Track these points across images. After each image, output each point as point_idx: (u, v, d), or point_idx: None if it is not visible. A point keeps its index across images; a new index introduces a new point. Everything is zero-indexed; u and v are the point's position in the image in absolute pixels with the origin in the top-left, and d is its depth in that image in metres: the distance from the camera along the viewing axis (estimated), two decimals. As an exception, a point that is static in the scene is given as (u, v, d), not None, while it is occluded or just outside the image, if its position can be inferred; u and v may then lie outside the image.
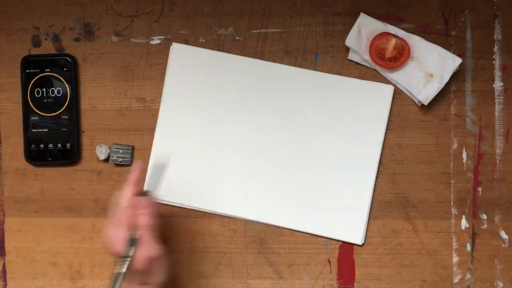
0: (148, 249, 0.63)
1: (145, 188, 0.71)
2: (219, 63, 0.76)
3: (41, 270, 0.78)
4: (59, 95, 0.77)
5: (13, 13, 0.78)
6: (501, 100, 0.75)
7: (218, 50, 0.77)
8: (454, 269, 0.75)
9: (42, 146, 0.77)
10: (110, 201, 0.77)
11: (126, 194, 0.66)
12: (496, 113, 0.75)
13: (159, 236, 0.65)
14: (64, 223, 0.78)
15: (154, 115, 0.77)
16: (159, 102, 0.77)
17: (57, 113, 0.77)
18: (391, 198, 0.76)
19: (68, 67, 0.77)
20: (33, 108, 0.77)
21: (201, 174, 0.76)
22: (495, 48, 0.75)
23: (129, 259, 0.62)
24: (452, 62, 0.73)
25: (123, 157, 0.76)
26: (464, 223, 0.75)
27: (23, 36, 0.78)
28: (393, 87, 0.75)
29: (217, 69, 0.76)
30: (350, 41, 0.74)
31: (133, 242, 0.63)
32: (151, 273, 0.65)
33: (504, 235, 0.75)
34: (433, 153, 0.76)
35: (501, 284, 0.75)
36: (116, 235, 0.64)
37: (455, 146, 0.76)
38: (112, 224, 0.65)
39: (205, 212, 0.76)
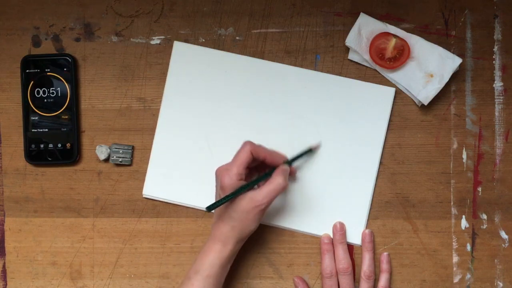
0: (262, 195, 0.67)
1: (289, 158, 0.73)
2: (221, 62, 0.76)
3: (41, 270, 0.78)
4: (59, 95, 0.77)
5: (13, 13, 0.78)
6: (501, 100, 0.75)
7: (218, 50, 0.77)
8: (454, 269, 0.75)
9: (42, 146, 0.77)
10: (111, 202, 0.77)
11: (231, 175, 0.67)
12: (496, 113, 0.75)
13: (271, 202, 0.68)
14: (64, 223, 0.78)
15: (154, 115, 0.77)
16: (159, 102, 0.77)
17: (57, 113, 0.77)
18: (391, 198, 0.76)
19: (68, 67, 0.77)
20: (33, 108, 0.77)
21: (202, 174, 0.76)
22: (495, 48, 0.75)
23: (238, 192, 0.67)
24: (452, 62, 0.73)
25: (123, 157, 0.76)
26: (464, 223, 0.75)
27: (23, 36, 0.78)
28: (394, 89, 0.75)
29: (218, 68, 0.76)
30: (350, 41, 0.75)
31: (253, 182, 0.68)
32: (246, 220, 0.67)
33: (504, 235, 0.75)
34: (433, 153, 0.76)
35: (501, 284, 0.75)
36: (230, 169, 0.67)
37: (455, 146, 0.76)
38: (230, 162, 0.69)
39: (205, 212, 0.76)
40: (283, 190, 0.68)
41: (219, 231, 0.68)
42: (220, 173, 0.68)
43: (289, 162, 0.72)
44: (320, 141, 0.75)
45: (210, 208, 0.65)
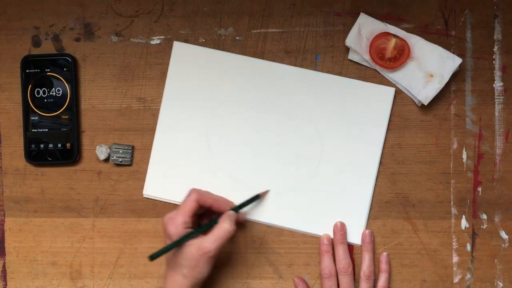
0: (209, 241, 0.67)
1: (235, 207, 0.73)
2: (221, 62, 0.76)
3: (41, 270, 0.78)
4: (59, 95, 0.77)
5: (13, 13, 0.78)
6: (501, 100, 0.75)
7: (218, 50, 0.77)
8: (454, 269, 0.75)
9: (42, 146, 0.77)
10: (111, 202, 0.77)
11: (177, 224, 0.68)
12: (496, 113, 0.75)
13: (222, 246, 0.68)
14: (64, 223, 0.78)
15: (154, 115, 0.77)
16: (159, 102, 0.77)
17: (57, 113, 0.77)
18: (391, 198, 0.76)
19: (68, 67, 0.77)
20: (33, 108, 0.77)
21: (202, 174, 0.76)
22: (495, 48, 0.75)
23: (185, 239, 0.67)
24: (452, 62, 0.73)
25: (123, 157, 0.76)
26: (464, 223, 0.75)
27: (23, 36, 0.78)
28: (394, 89, 0.75)
29: (218, 68, 0.76)
30: (350, 41, 0.75)
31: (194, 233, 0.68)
32: (197, 267, 0.67)
33: (504, 235, 0.75)
34: (433, 153, 0.76)
35: (501, 284, 0.75)
36: (175, 217, 0.68)
37: (455, 146, 0.76)
38: (176, 211, 0.69)
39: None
40: (231, 235, 0.68)
41: (171, 280, 0.68)
42: (166, 222, 0.68)
43: (236, 209, 0.72)
44: (268, 190, 0.75)
45: (153, 257, 0.65)
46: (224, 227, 0.68)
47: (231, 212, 0.70)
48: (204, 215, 0.73)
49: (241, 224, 0.76)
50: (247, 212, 0.75)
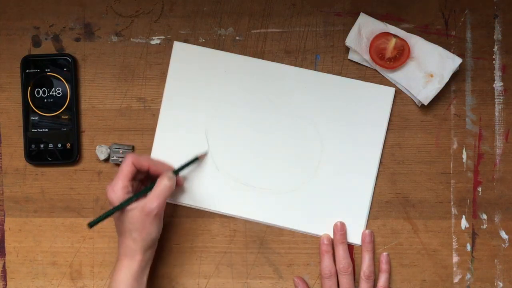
0: (150, 201, 0.67)
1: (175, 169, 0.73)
2: (221, 62, 0.76)
3: (41, 270, 0.78)
4: (59, 95, 0.77)
5: (13, 13, 0.78)
6: (501, 100, 0.75)
7: (218, 50, 0.77)
8: (454, 269, 0.75)
9: (42, 146, 0.77)
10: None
11: (116, 189, 0.68)
12: (496, 113, 0.75)
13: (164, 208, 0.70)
14: (64, 223, 0.78)
15: (154, 115, 0.77)
16: (159, 102, 0.77)
17: (57, 113, 0.77)
18: (391, 198, 0.76)
19: (68, 67, 0.77)
20: (33, 108, 0.77)
21: (201, 174, 0.76)
22: (495, 48, 0.75)
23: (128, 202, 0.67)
24: (452, 62, 0.73)
25: (123, 157, 0.76)
26: (464, 223, 0.75)
27: (23, 36, 0.78)
28: (394, 89, 0.75)
29: (218, 68, 0.76)
30: (350, 41, 0.75)
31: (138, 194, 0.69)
32: (144, 229, 0.68)
33: (504, 235, 0.75)
34: (433, 153, 0.76)
35: (501, 284, 0.75)
36: (114, 184, 0.68)
37: (455, 146, 0.76)
38: (115, 177, 0.69)
39: (205, 212, 0.76)
40: (171, 191, 0.69)
41: (123, 246, 0.69)
42: (106, 190, 0.68)
43: (176, 172, 0.72)
44: (207, 150, 0.75)
45: (91, 224, 0.66)
46: (163, 183, 0.68)
47: (169, 172, 0.70)
48: (146, 181, 0.74)
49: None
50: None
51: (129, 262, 0.68)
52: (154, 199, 0.68)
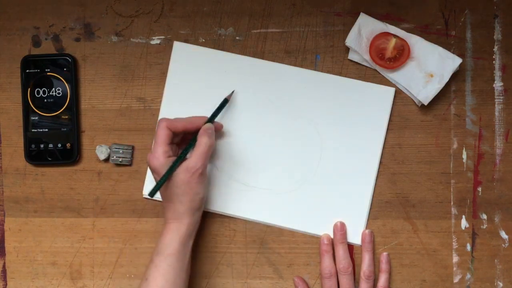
0: (194, 161, 0.67)
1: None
2: (221, 62, 0.76)
3: (41, 270, 0.78)
4: (59, 95, 0.77)
5: (13, 13, 0.78)
6: (501, 100, 0.75)
7: (218, 50, 0.77)
8: (454, 269, 0.75)
9: (42, 146, 0.77)
10: (111, 202, 0.77)
11: (158, 156, 0.68)
12: (496, 113, 0.75)
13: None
14: (64, 223, 0.78)
15: (154, 115, 0.77)
16: (159, 102, 0.77)
17: (57, 113, 0.77)
18: (391, 198, 0.76)
19: (68, 67, 0.77)
20: (33, 108, 0.77)
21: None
22: (495, 48, 0.75)
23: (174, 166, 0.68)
24: (452, 62, 0.73)
25: (123, 157, 0.76)
26: (464, 223, 0.75)
27: (23, 36, 0.78)
28: (394, 89, 0.75)
29: (218, 68, 0.76)
30: (350, 41, 0.75)
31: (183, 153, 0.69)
32: (191, 190, 0.68)
33: (504, 235, 0.75)
34: (433, 153, 0.76)
35: (501, 284, 0.75)
36: (154, 151, 0.68)
37: (455, 146, 0.76)
38: (153, 145, 0.69)
39: (205, 211, 0.76)
40: (212, 147, 0.69)
41: (171, 211, 0.69)
42: (148, 159, 0.69)
43: (210, 120, 0.72)
44: (234, 90, 0.75)
45: (151, 193, 0.67)
46: (203, 141, 0.68)
47: (206, 125, 0.71)
48: (183, 143, 0.74)
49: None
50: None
51: (178, 225, 0.69)
52: (198, 159, 0.68)
